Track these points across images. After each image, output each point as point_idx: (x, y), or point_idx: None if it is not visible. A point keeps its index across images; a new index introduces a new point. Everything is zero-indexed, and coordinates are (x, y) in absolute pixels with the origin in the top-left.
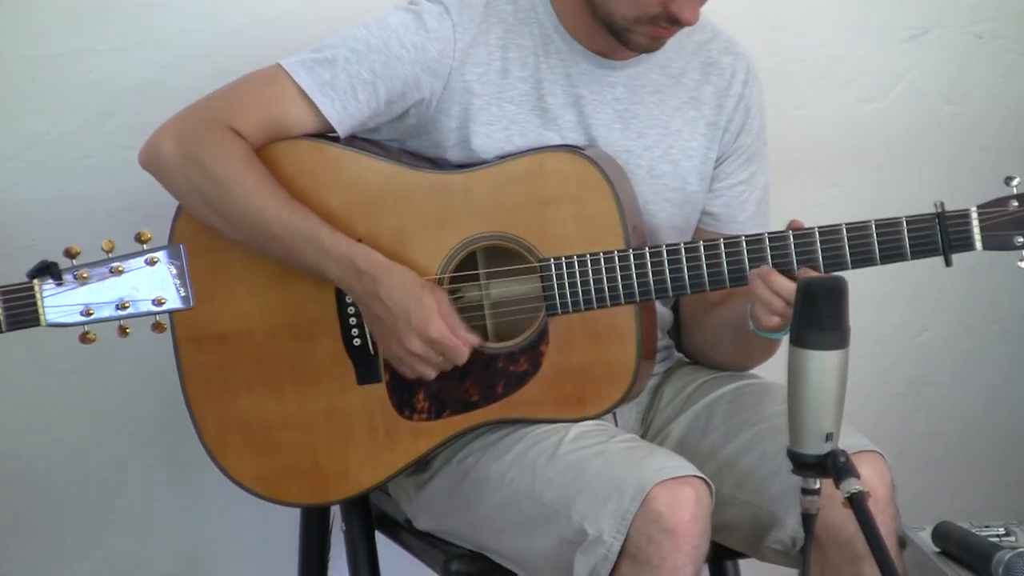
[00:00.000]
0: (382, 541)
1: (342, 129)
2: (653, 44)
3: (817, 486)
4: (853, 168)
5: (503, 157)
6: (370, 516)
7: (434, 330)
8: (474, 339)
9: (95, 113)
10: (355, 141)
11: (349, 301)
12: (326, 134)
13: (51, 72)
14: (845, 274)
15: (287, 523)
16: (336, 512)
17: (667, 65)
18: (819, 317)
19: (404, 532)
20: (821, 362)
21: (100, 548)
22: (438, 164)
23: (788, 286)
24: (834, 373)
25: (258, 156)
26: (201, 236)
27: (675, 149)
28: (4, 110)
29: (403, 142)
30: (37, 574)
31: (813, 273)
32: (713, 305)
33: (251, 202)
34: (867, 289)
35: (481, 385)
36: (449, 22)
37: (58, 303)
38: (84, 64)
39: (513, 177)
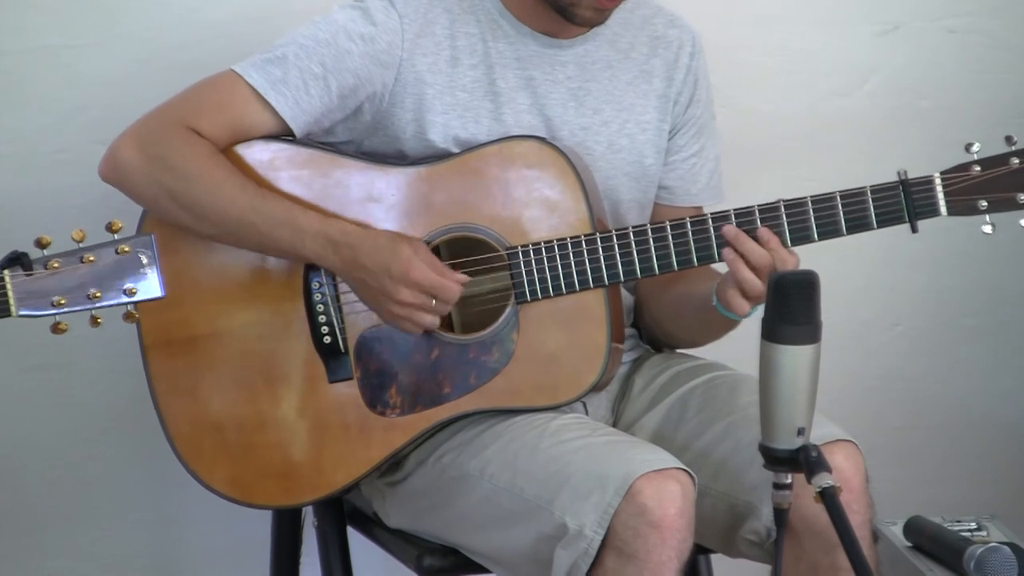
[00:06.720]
0: (354, 536)
1: (296, 125)
2: (598, 16)
3: (789, 480)
4: (825, 163)
5: (466, 149)
6: (342, 511)
7: (415, 273)
8: (462, 277)
9: (68, 108)
10: (313, 142)
11: (317, 299)
12: (284, 136)
13: (25, 67)
14: (817, 266)
15: (259, 519)
16: (308, 507)
17: (615, 41)
18: (791, 311)
19: (376, 527)
20: (793, 357)
21: (74, 544)
22: (398, 160)
23: (764, 259)
24: (806, 368)
25: None
26: (167, 240)
27: (630, 123)
28: None
29: (359, 143)
30: (10, 571)
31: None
32: (672, 281)
33: (222, 193)
34: (840, 283)
35: (453, 377)
36: (395, 14)
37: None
38: (58, 59)
39: (476, 168)
